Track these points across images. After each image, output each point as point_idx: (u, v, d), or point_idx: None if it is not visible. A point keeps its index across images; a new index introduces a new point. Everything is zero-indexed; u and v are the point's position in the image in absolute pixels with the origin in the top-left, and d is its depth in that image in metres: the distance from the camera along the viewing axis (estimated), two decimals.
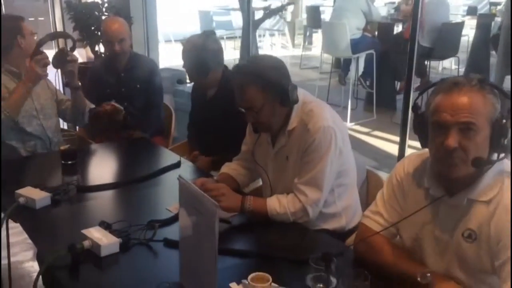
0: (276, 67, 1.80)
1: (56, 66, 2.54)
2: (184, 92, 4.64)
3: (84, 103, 2.77)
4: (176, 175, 1.38)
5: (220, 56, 2.54)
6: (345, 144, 1.87)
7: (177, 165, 2.34)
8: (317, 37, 10.08)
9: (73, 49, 2.54)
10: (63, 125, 2.98)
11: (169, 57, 7.39)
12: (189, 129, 2.94)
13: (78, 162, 2.37)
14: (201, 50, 2.45)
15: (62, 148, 2.38)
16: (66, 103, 2.78)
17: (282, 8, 8.34)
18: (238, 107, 1.85)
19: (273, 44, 10.71)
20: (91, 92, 3.03)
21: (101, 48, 4.70)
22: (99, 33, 4.46)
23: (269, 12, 8.23)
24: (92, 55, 4.86)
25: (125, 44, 3.08)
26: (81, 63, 4.87)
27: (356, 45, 5.65)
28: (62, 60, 2.51)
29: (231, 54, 8.24)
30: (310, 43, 10.50)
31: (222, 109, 2.47)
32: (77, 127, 3.39)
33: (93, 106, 2.82)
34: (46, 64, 2.48)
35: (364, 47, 5.77)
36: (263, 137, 2.01)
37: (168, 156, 2.52)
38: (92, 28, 4.56)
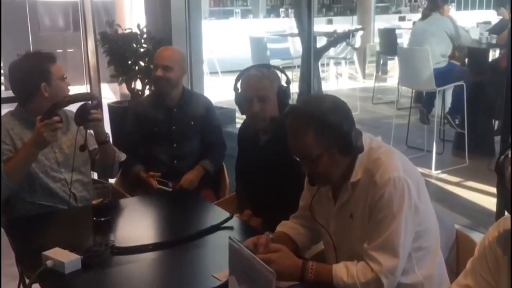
0: (337, 109, 1.84)
1: (78, 123, 2.59)
2: (232, 134, 4.75)
3: (113, 155, 2.84)
4: (225, 236, 1.42)
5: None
6: (421, 198, 1.87)
7: (227, 222, 2.37)
8: (393, 65, 10.09)
9: (96, 107, 2.57)
10: (93, 174, 3.09)
11: (215, 92, 7.56)
12: (237, 180, 2.99)
13: (111, 218, 2.44)
14: (269, 87, 2.55)
15: (94, 202, 2.45)
16: (96, 153, 2.85)
17: (350, 34, 8.26)
18: (292, 155, 1.88)
19: (339, 75, 10.71)
20: (135, 131, 3.20)
21: (137, 85, 4.89)
22: (137, 67, 4.69)
23: (335, 39, 8.11)
24: (127, 92, 5.07)
25: (171, 73, 3.21)
26: (114, 102, 5.26)
27: (442, 76, 5.66)
28: (84, 117, 2.54)
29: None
30: (385, 72, 10.54)
31: (279, 157, 2.47)
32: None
33: (123, 156, 2.90)
34: (57, 129, 2.49)
35: (452, 78, 5.75)
36: (322, 191, 2.04)
37: (216, 213, 2.55)
38: (129, 62, 4.75)
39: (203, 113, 3.33)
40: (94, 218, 2.42)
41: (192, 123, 3.30)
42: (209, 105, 3.40)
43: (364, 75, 11.07)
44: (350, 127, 1.83)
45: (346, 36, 8.49)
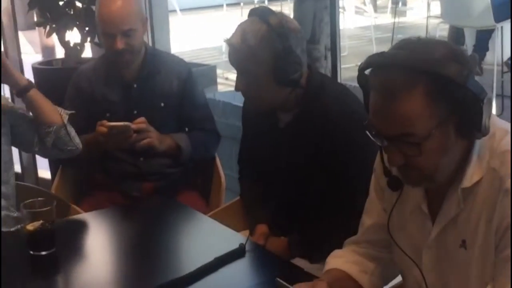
0: (459, 60, 1.67)
1: None
2: (214, 102, 4.66)
3: (51, 111, 2.81)
4: (233, 274, 1.58)
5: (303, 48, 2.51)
6: None
7: (239, 252, 2.30)
8: None
9: None
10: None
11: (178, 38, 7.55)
12: (243, 179, 2.95)
13: (58, 251, 2.34)
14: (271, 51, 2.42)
15: (28, 227, 2.30)
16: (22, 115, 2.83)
17: None
18: (374, 133, 1.72)
19: (343, 9, 10.68)
20: (78, 117, 3.05)
21: (73, 36, 4.73)
22: (72, 11, 4.52)
23: None
24: (61, 48, 4.85)
25: (134, 37, 3.10)
26: (41, 63, 5.10)
27: (503, 6, 5.62)
28: None
29: None
30: (404, 3, 10.82)
31: (313, 144, 2.45)
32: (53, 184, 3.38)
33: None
34: None
35: None
36: (409, 200, 1.89)
37: (214, 232, 2.56)
38: (61, 3, 4.54)
39: (178, 88, 3.26)
40: (31, 252, 2.32)
41: (162, 104, 3.23)
42: (187, 74, 3.30)
43: (376, 9, 11.09)
44: (479, 90, 1.64)
45: None
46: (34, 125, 2.78)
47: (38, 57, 8.36)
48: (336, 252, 2.11)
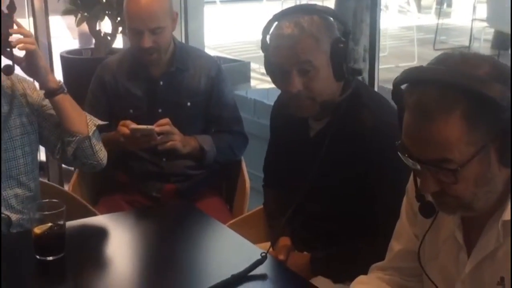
0: (502, 78, 1.58)
1: None
2: (246, 100, 4.56)
3: (80, 118, 2.72)
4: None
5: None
6: None
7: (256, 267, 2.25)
8: None
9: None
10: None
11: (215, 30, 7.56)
12: (267, 187, 2.91)
13: (67, 256, 2.29)
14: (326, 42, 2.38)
15: (36, 229, 2.26)
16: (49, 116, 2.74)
17: None
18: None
19: (385, 8, 10.77)
20: (94, 112, 3.00)
21: (105, 26, 4.71)
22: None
23: None
24: (92, 39, 4.91)
25: (162, 35, 3.06)
26: (69, 52, 5.14)
27: None
28: None
29: None
30: (450, 4, 10.81)
31: (343, 155, 2.41)
32: (69, 182, 3.37)
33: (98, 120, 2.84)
34: None
35: None
36: (445, 227, 1.82)
37: (235, 244, 2.52)
38: None
39: (206, 87, 3.21)
40: (37, 257, 2.27)
41: (188, 103, 3.18)
42: (216, 72, 3.25)
43: (420, 9, 11.04)
44: None
45: None
46: (59, 130, 2.71)
47: (75, 43, 8.43)
48: (361, 278, 2.05)
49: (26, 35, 2.50)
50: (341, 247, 2.39)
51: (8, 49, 2.52)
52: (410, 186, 1.90)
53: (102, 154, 2.75)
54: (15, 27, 2.50)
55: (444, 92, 1.56)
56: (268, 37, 2.48)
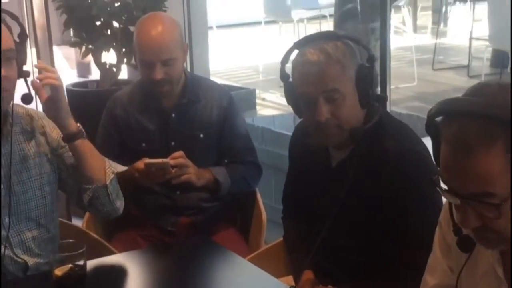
0: None
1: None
2: (257, 129, 4.61)
3: (99, 163, 2.64)
4: None
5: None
6: None
7: None
8: (457, 14, 10.29)
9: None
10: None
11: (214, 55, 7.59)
12: (286, 219, 2.84)
13: None
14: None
15: (57, 271, 2.21)
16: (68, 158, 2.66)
17: None
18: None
19: None
20: (106, 147, 3.01)
21: (110, 57, 4.70)
22: (109, 31, 4.48)
23: None
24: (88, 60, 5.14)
25: (174, 66, 3.01)
26: (75, 85, 5.12)
27: None
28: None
29: None
30: (446, 24, 10.60)
31: (368, 187, 2.35)
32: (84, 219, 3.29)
33: (120, 166, 2.78)
34: None
35: None
36: (483, 260, 1.75)
37: (254, 279, 2.49)
38: (98, 23, 4.53)
39: (218, 118, 3.17)
40: None
41: (201, 135, 3.14)
42: (228, 102, 3.21)
43: (416, 28, 11.10)
44: None
45: None
46: (77, 173, 2.65)
47: (73, 73, 8.37)
48: None
49: (51, 71, 2.45)
50: (368, 282, 2.34)
51: (30, 80, 2.46)
52: (443, 218, 1.85)
53: (119, 203, 2.67)
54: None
55: (483, 124, 1.51)
56: (287, 65, 2.41)
